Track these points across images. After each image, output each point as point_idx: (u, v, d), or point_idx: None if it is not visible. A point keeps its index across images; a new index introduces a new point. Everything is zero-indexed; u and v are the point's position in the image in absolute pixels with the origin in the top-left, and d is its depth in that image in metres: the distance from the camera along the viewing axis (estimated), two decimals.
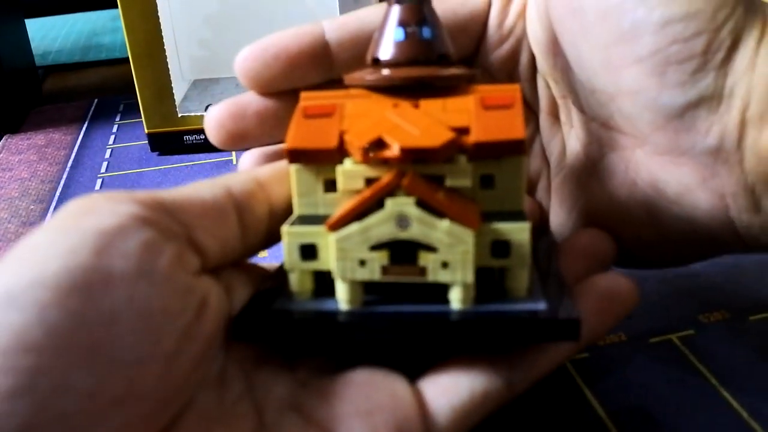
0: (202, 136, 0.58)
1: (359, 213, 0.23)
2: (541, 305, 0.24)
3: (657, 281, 0.37)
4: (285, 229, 0.24)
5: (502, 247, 0.23)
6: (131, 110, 0.69)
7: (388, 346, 0.25)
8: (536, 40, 0.31)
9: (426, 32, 0.26)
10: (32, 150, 0.62)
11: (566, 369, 0.32)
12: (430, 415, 0.23)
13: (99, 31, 1.03)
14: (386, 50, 0.27)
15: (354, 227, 0.23)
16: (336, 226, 0.23)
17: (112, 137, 0.64)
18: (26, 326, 0.18)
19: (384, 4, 0.28)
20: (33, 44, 0.81)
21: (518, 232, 0.23)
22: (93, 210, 0.21)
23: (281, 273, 0.26)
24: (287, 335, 0.24)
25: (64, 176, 0.57)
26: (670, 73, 0.25)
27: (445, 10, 0.31)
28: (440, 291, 0.24)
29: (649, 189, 0.29)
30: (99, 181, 0.56)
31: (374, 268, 0.24)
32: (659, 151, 0.28)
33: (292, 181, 0.25)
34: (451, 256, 0.23)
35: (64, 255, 0.19)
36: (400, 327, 0.23)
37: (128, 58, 0.55)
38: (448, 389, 0.24)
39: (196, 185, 0.25)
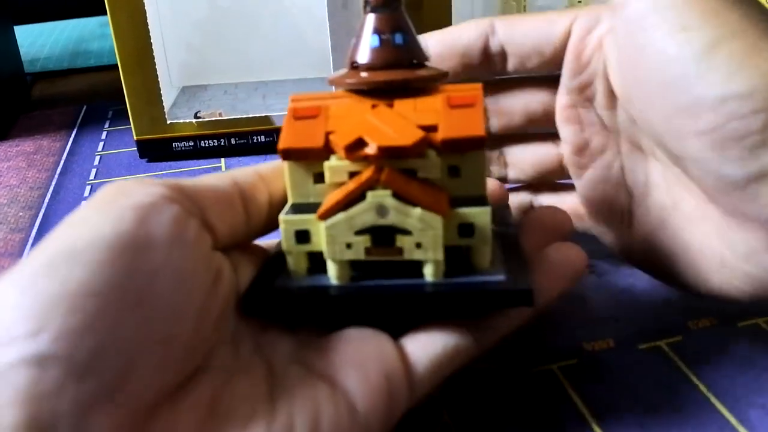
0: (191, 143, 0.58)
1: (345, 204, 0.27)
2: (500, 277, 0.27)
3: (645, 287, 0.38)
4: (282, 217, 0.28)
5: (467, 228, 0.27)
6: (120, 117, 0.69)
7: (373, 314, 0.28)
8: (614, 82, 0.32)
9: (398, 39, 0.29)
10: (21, 157, 0.62)
11: (555, 375, 0.32)
12: (410, 364, 0.27)
13: (87, 37, 1.03)
14: (363, 55, 0.29)
15: (341, 216, 0.27)
16: (326, 215, 0.27)
17: (101, 144, 0.64)
18: (89, 277, 0.22)
19: None
20: (21, 51, 0.80)
21: (480, 215, 0.27)
22: (128, 191, 0.25)
23: (280, 254, 0.30)
24: (288, 309, 0.28)
25: (53, 183, 0.57)
26: (729, 148, 0.27)
27: (528, 33, 0.34)
28: (415, 267, 0.28)
29: (722, 244, 0.30)
30: (88, 188, 0.56)
31: (359, 249, 0.27)
32: (726, 212, 0.29)
33: (285, 174, 0.29)
34: (423, 238, 0.27)
35: (112, 223, 0.23)
36: (382, 297, 0.27)
37: (117, 64, 0.55)
38: (426, 344, 0.27)
39: (207, 177, 0.29)
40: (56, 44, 1.00)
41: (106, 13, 0.54)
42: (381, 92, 0.29)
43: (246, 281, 0.28)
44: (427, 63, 0.30)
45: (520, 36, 0.34)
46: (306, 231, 0.28)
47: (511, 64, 0.35)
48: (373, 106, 0.29)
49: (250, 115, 0.58)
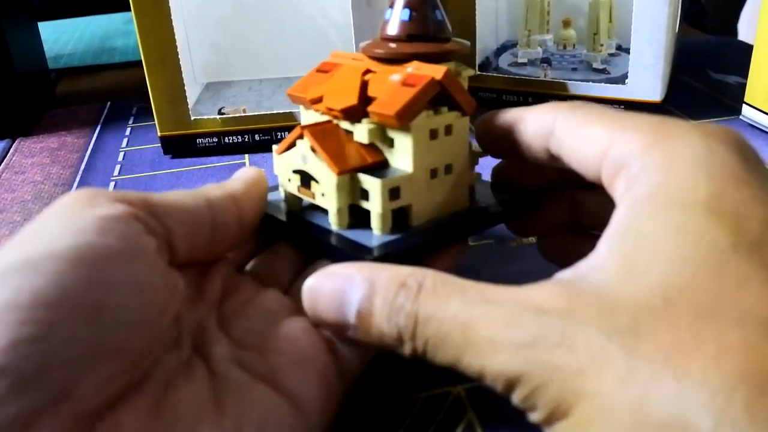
0: (215, 139, 0.58)
1: (288, 147, 0.33)
2: (375, 242, 0.31)
3: None
4: (275, 156, 0.34)
5: (365, 192, 0.31)
6: (144, 113, 0.69)
7: (298, 238, 0.33)
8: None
9: (404, 15, 0.33)
10: (45, 153, 0.62)
11: None
12: (341, 356, 0.28)
13: (112, 34, 1.03)
14: (385, 27, 0.34)
15: (285, 155, 0.33)
16: (279, 152, 0.34)
17: (125, 140, 0.64)
18: (43, 287, 0.22)
19: None
20: (46, 47, 0.81)
21: (372, 184, 0.30)
22: (92, 202, 0.26)
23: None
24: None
25: (77, 179, 0.57)
26: None
27: (573, 149, 0.30)
28: (365, 215, 0.31)
29: None
30: (112, 184, 0.56)
31: (294, 185, 0.33)
32: None
33: (302, 112, 0.35)
34: (325, 189, 0.31)
35: (74, 234, 0.24)
36: (302, 228, 0.33)
37: (141, 61, 0.55)
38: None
39: (183, 193, 0.30)
40: (80, 41, 1.00)
41: (130, 10, 0.54)
42: (385, 60, 0.33)
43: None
44: (446, 37, 0.33)
45: (568, 150, 0.30)
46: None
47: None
48: (365, 72, 0.33)
49: (275, 112, 0.58)
